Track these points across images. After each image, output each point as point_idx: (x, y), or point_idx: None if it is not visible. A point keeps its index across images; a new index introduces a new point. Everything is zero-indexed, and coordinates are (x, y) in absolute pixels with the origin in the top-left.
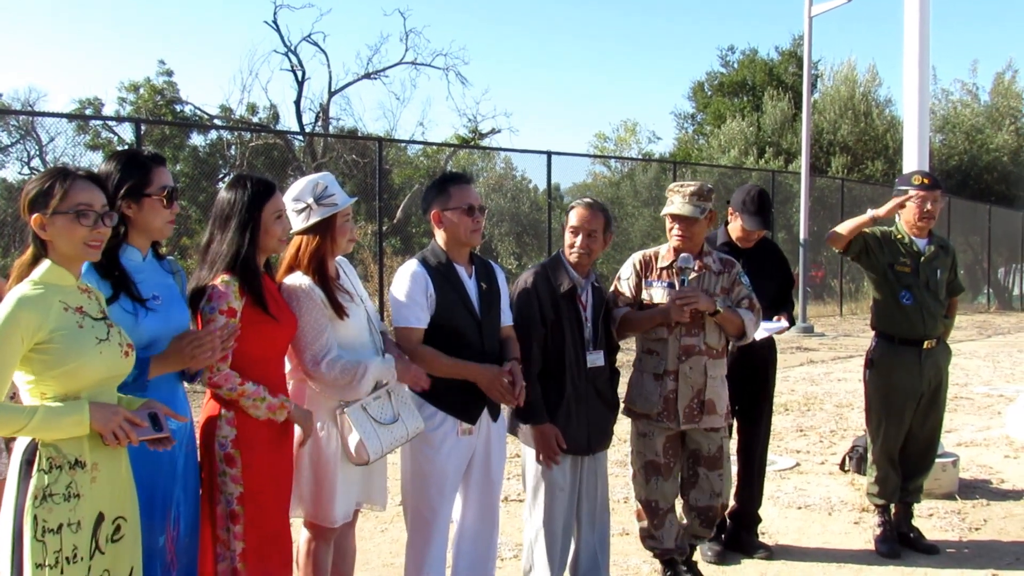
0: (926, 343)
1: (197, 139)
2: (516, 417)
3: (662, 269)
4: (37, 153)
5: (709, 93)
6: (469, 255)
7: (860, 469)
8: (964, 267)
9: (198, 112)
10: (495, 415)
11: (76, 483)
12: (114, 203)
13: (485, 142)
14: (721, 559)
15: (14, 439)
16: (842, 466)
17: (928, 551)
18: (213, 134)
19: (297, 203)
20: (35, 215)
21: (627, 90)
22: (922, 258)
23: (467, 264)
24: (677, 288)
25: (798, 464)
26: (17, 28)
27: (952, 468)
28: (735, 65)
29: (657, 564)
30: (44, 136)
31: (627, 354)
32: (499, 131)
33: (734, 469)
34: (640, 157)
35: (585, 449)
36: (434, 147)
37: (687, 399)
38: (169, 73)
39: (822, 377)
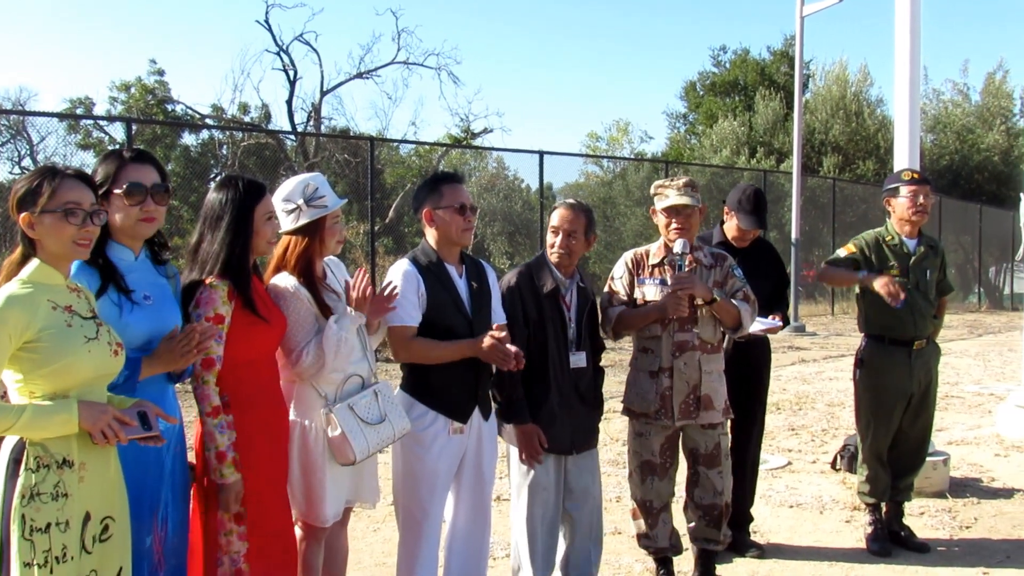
0: (916, 343)
1: (189, 139)
2: (499, 417)
3: (653, 266)
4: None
5: (701, 93)
6: (460, 255)
7: (851, 468)
8: (955, 267)
9: (189, 112)
10: (486, 414)
11: (64, 482)
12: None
13: (477, 142)
14: (719, 559)
15: (2, 438)
16: (833, 465)
17: (919, 549)
18: (205, 134)
19: (287, 203)
20: (23, 214)
21: (619, 90)
22: (912, 259)
23: (458, 263)
24: (673, 276)
25: (790, 463)
26: (8, 27)
27: (943, 466)
28: (727, 65)
29: (650, 563)
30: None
31: (618, 353)
32: (491, 131)
33: None
34: (632, 157)
35: (568, 449)
36: (426, 147)
37: (683, 395)
38: (160, 72)
39: (814, 376)
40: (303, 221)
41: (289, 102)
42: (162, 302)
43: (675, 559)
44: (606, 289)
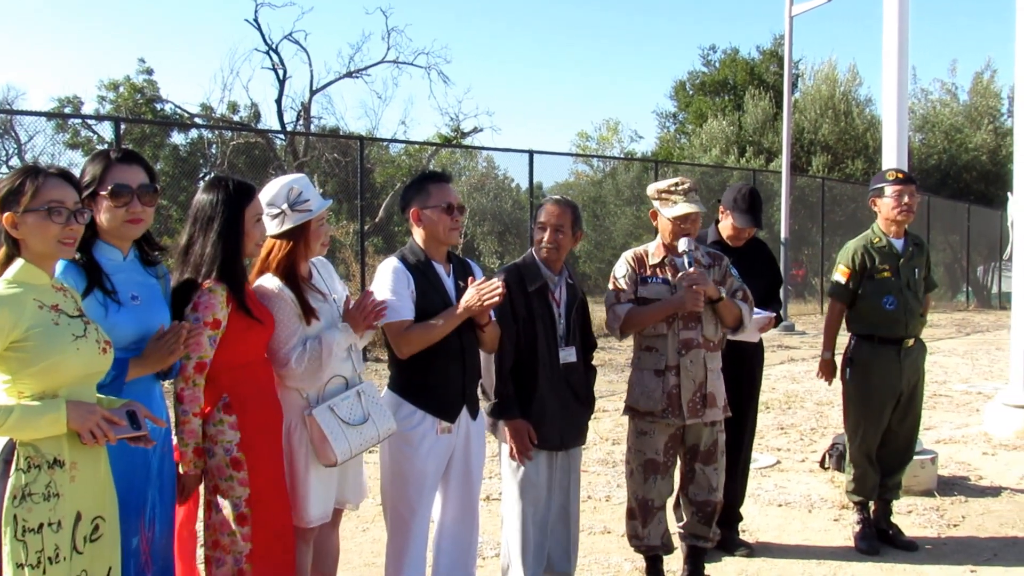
0: (906, 342)
1: (177, 138)
2: (489, 414)
3: (654, 266)
4: (16, 152)
5: (691, 92)
6: (447, 253)
7: (840, 467)
8: (943, 266)
9: (178, 111)
10: (474, 413)
11: (55, 482)
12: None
13: (467, 141)
14: (708, 557)
15: None
16: (822, 464)
17: (907, 547)
18: (194, 133)
19: (271, 208)
20: (6, 213)
21: (609, 89)
22: (901, 260)
23: (445, 262)
24: (683, 274)
25: (779, 462)
26: None
27: (931, 465)
28: (716, 64)
29: (639, 562)
30: (23, 135)
31: (608, 352)
32: (481, 130)
33: None
34: (622, 156)
35: (557, 445)
36: (416, 146)
37: (690, 393)
38: (149, 71)
39: (803, 375)
40: (288, 226)
41: (278, 101)
42: (150, 303)
43: (664, 558)
44: (611, 287)
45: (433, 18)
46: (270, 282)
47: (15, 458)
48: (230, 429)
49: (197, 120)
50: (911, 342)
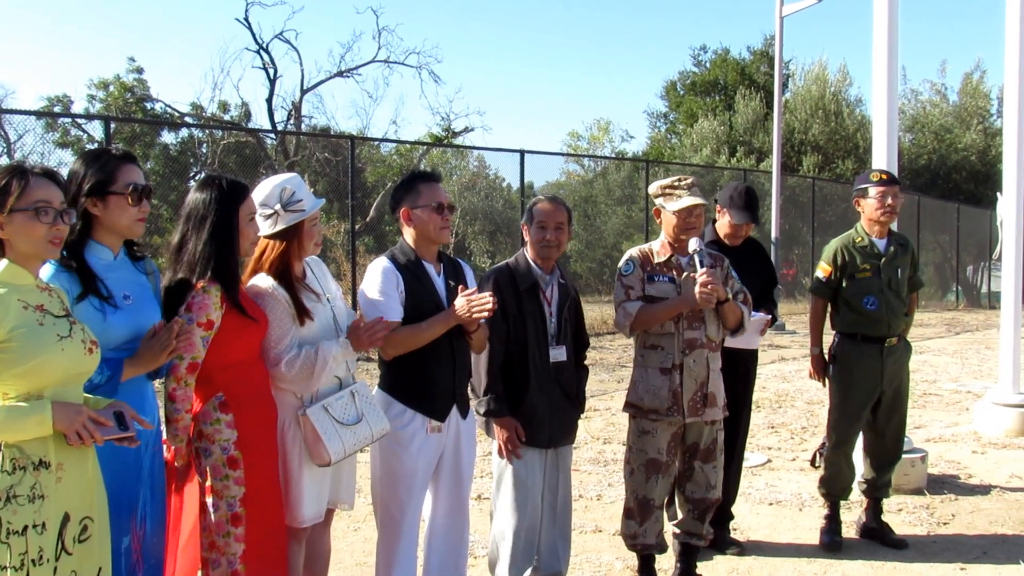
0: (888, 341)
1: (168, 137)
2: (480, 413)
3: (659, 265)
4: (5, 151)
5: (682, 92)
6: (438, 253)
7: None
8: (933, 265)
9: (169, 110)
10: (464, 412)
11: (41, 484)
12: (77, 201)
13: (458, 140)
14: (700, 556)
15: None
16: (813, 462)
17: (897, 545)
18: (184, 132)
19: (264, 208)
20: None
21: (600, 89)
22: (883, 259)
23: (435, 262)
24: (700, 269)
25: (769, 460)
26: None
27: (921, 464)
28: (707, 65)
29: (630, 561)
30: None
31: (600, 352)
32: (472, 129)
33: None
34: (613, 156)
35: (545, 443)
36: (407, 145)
37: (691, 392)
38: (139, 70)
39: (793, 374)
40: (281, 226)
41: (269, 100)
42: (142, 301)
43: (656, 557)
44: (617, 285)
45: (424, 18)
46: (263, 282)
47: (0, 460)
48: (227, 428)
49: (187, 119)
50: (894, 341)
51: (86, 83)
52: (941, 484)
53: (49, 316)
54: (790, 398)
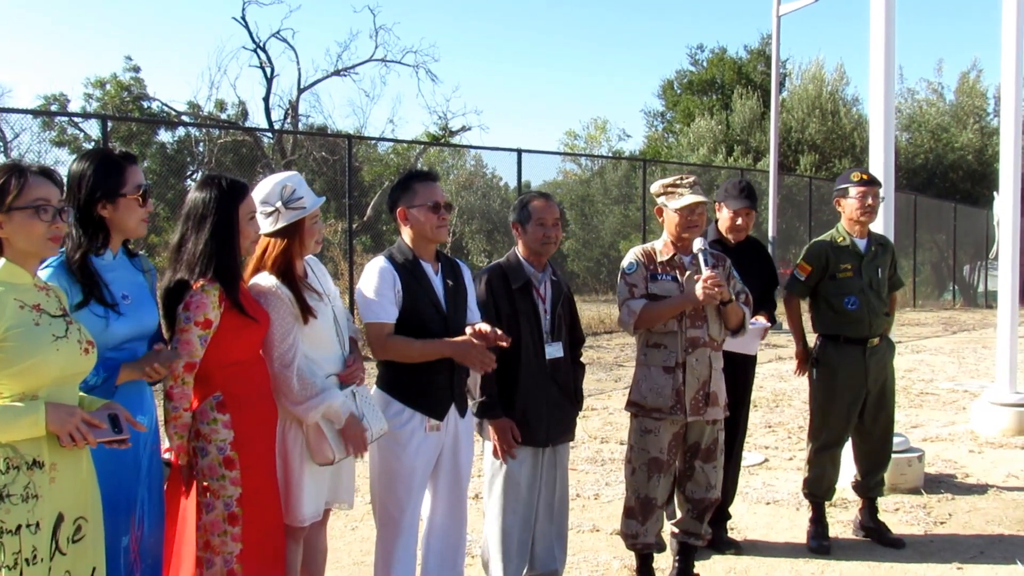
0: (871, 341)
1: (165, 136)
2: (474, 414)
3: (662, 264)
4: (2, 150)
5: (679, 91)
6: (436, 253)
7: None
8: (930, 265)
9: (166, 109)
10: (463, 411)
11: (34, 483)
12: (91, 205)
13: (455, 140)
14: (699, 555)
15: None
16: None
17: (894, 545)
18: (181, 131)
19: (265, 206)
20: None
21: (597, 88)
22: (863, 259)
23: (433, 261)
24: (705, 268)
25: (766, 460)
26: None
27: (917, 463)
28: (704, 64)
29: (628, 560)
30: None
31: (596, 351)
32: (469, 128)
33: None
34: (610, 155)
35: (543, 441)
36: (404, 144)
37: (694, 391)
38: (136, 69)
39: (790, 373)
40: (282, 224)
41: (266, 99)
42: (140, 301)
43: (654, 556)
44: (621, 283)
45: (421, 17)
46: (266, 280)
47: None
48: (223, 428)
49: (184, 118)
50: (876, 341)
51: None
52: (938, 483)
53: (46, 316)
54: (787, 397)
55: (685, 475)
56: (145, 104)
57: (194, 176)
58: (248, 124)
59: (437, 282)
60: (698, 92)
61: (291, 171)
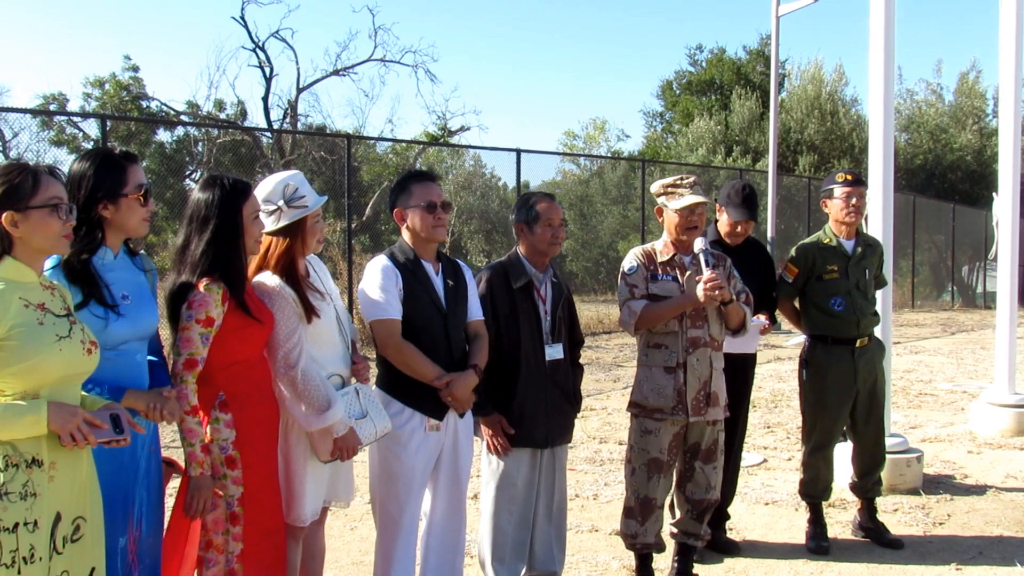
0: (859, 342)
1: (164, 135)
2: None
3: (663, 264)
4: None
5: (677, 92)
6: (436, 252)
7: None
8: (928, 265)
9: (165, 108)
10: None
11: (33, 482)
12: (92, 204)
13: (454, 139)
14: (701, 558)
15: None
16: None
17: (892, 545)
18: (180, 130)
19: (267, 204)
20: (6, 212)
21: (596, 88)
22: (850, 260)
23: (434, 261)
24: (706, 269)
25: (765, 460)
26: None
27: (916, 463)
28: (703, 64)
29: (627, 560)
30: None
31: (595, 351)
32: (468, 128)
33: None
34: (609, 155)
35: (542, 442)
36: (403, 144)
37: (695, 391)
38: (135, 69)
39: (789, 374)
40: (284, 222)
41: (265, 99)
42: (140, 301)
43: (653, 556)
44: (622, 284)
45: (420, 16)
46: (270, 280)
47: None
48: (225, 427)
49: (183, 118)
50: (865, 341)
51: (82, 81)
52: (937, 484)
53: (50, 315)
54: (786, 398)
55: (685, 476)
56: (144, 104)
57: (193, 176)
58: (247, 124)
59: (438, 282)
60: (697, 92)
61: (293, 170)
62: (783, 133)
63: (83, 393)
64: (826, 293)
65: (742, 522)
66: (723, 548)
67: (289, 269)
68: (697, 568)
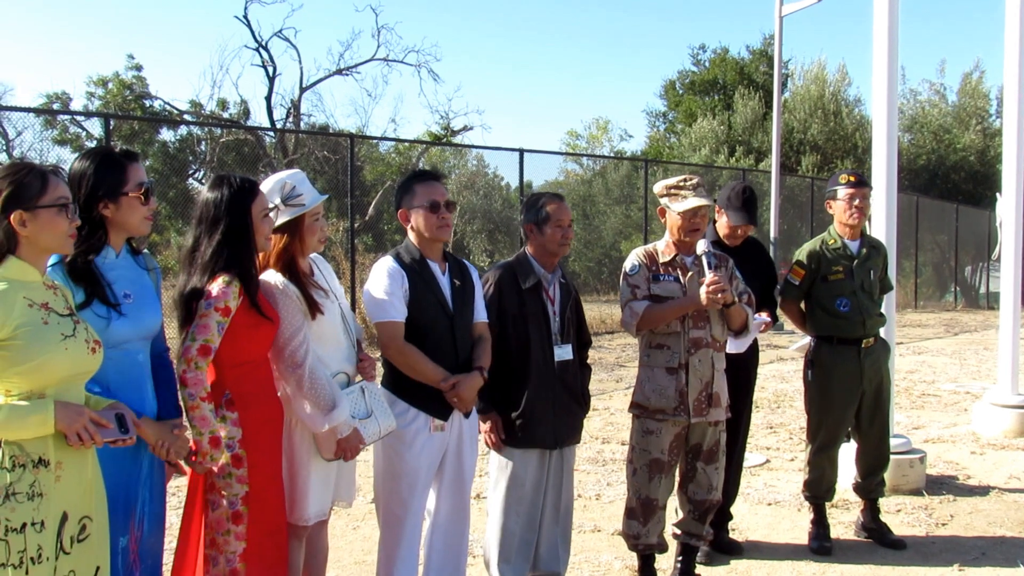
0: (864, 342)
1: (167, 135)
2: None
3: (664, 264)
4: (3, 148)
5: (680, 91)
6: (443, 252)
7: None
8: (931, 266)
9: (168, 107)
10: (467, 411)
11: (40, 482)
12: (93, 204)
13: (457, 139)
14: (708, 559)
15: None
16: None
17: (895, 546)
18: (183, 130)
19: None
20: (15, 211)
21: (599, 88)
22: (855, 261)
23: (441, 261)
24: (708, 271)
25: (768, 460)
26: None
27: (919, 464)
28: (706, 64)
29: (629, 560)
30: (11, 131)
31: (597, 351)
32: (471, 128)
33: None
34: (612, 155)
35: (552, 443)
36: (406, 144)
37: (696, 392)
38: (138, 68)
39: (792, 374)
40: (281, 220)
41: (268, 98)
42: (143, 300)
43: (655, 556)
44: (624, 285)
45: (423, 16)
46: (272, 277)
47: (0, 457)
48: (232, 425)
49: (186, 117)
50: (871, 342)
51: (85, 80)
52: (940, 485)
53: (54, 315)
54: (789, 398)
55: (687, 477)
56: (147, 103)
57: (196, 175)
58: (250, 123)
59: (444, 282)
60: (700, 92)
61: (294, 169)
62: (786, 133)
63: (86, 393)
64: (831, 294)
65: (745, 523)
66: (726, 549)
67: (290, 266)
68: (702, 569)
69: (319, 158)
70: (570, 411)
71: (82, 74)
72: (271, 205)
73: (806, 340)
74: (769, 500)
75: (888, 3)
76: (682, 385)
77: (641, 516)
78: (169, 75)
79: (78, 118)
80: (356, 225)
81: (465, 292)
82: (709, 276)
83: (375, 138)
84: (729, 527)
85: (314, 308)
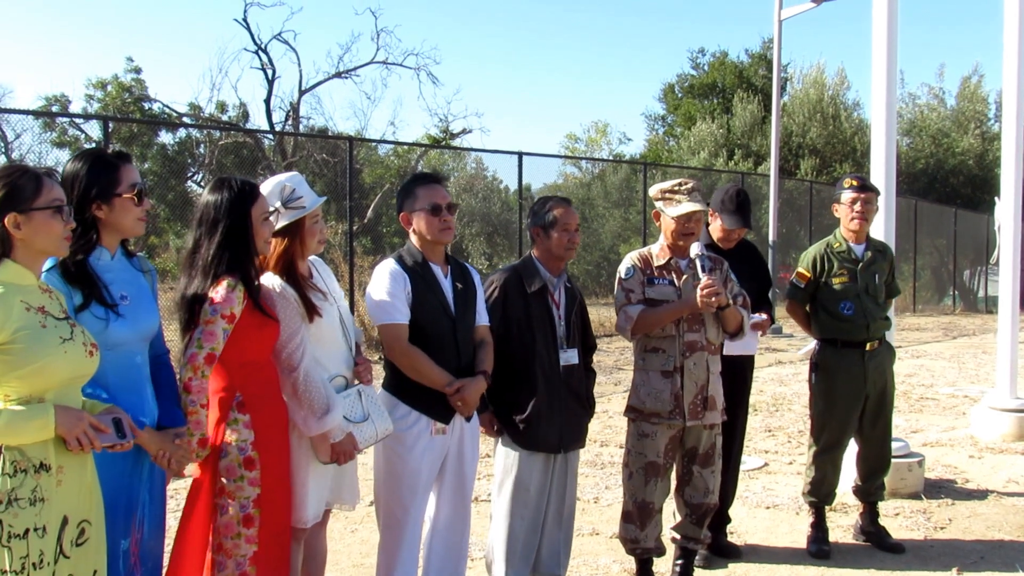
0: (869, 345)
1: (166, 137)
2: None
3: (659, 268)
4: (3, 151)
5: (679, 95)
6: (445, 255)
7: None
8: (930, 269)
9: (167, 110)
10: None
11: (41, 487)
12: (86, 205)
13: (456, 142)
14: (707, 563)
15: None
16: None
17: (893, 550)
18: (182, 132)
19: None
20: (10, 214)
21: (598, 91)
22: (860, 265)
23: (443, 264)
24: (702, 275)
25: (766, 464)
26: None
27: (918, 468)
28: (705, 67)
29: (627, 564)
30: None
31: (598, 355)
32: (470, 131)
33: None
34: (611, 158)
35: (556, 447)
36: (405, 147)
37: (691, 395)
38: (137, 70)
39: (790, 377)
40: (282, 223)
41: (267, 101)
42: (139, 302)
43: (653, 560)
44: (618, 289)
45: (423, 19)
46: (270, 281)
47: (1, 463)
48: (244, 428)
49: (185, 119)
50: (875, 345)
51: (84, 82)
52: (938, 488)
53: (51, 318)
54: (787, 401)
55: (683, 480)
56: (146, 105)
57: (195, 178)
58: (249, 126)
59: (446, 284)
60: (699, 96)
61: (292, 171)
62: (785, 137)
63: (83, 398)
64: (835, 297)
65: (743, 526)
66: (724, 552)
67: (289, 269)
68: (700, 573)
69: (318, 161)
70: (575, 415)
71: (81, 76)
72: (271, 208)
73: (812, 345)
74: (768, 504)
75: (887, 7)
76: (677, 388)
77: (638, 520)
78: (168, 78)
79: (77, 120)
80: (355, 228)
81: (467, 295)
82: (703, 279)
83: (374, 141)
84: (727, 531)
85: (312, 311)
